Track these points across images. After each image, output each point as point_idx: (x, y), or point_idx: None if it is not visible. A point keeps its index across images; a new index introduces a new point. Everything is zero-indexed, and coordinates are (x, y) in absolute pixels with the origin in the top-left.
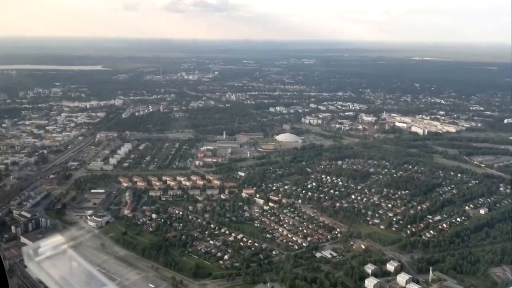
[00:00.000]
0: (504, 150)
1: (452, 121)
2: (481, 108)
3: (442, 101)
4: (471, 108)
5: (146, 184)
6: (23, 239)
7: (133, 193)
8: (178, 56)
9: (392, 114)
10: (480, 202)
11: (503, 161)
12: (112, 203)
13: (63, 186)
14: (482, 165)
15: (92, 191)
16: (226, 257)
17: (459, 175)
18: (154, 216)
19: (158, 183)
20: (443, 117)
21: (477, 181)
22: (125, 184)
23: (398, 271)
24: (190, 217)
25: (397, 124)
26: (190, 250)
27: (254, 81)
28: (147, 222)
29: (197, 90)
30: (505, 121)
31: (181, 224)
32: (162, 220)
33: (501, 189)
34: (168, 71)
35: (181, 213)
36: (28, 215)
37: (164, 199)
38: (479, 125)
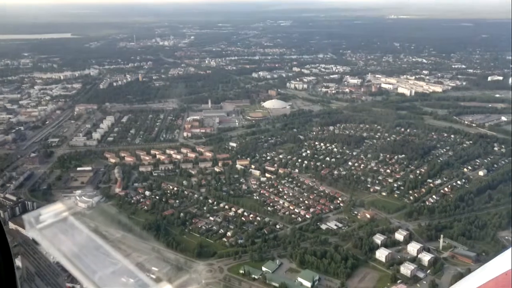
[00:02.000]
0: (492, 108)
1: (437, 80)
2: (463, 66)
3: (424, 60)
4: (453, 66)
5: (135, 159)
6: (11, 225)
7: (122, 169)
8: (150, 21)
9: (377, 76)
10: (477, 164)
11: (493, 120)
12: (100, 181)
13: (45, 165)
14: (473, 124)
15: (78, 169)
16: (229, 234)
17: (452, 136)
18: (147, 193)
19: (147, 158)
20: (427, 77)
21: (471, 142)
22: (112, 160)
23: (407, 240)
24: (185, 192)
25: (383, 85)
26: (190, 228)
27: (232, 45)
28: (141, 200)
29: (174, 57)
30: (489, 78)
31: (177, 201)
32: (157, 197)
33: (496, 149)
34: (141, 37)
35: (175, 188)
36: (14, 198)
37: (155, 174)
38: (464, 83)
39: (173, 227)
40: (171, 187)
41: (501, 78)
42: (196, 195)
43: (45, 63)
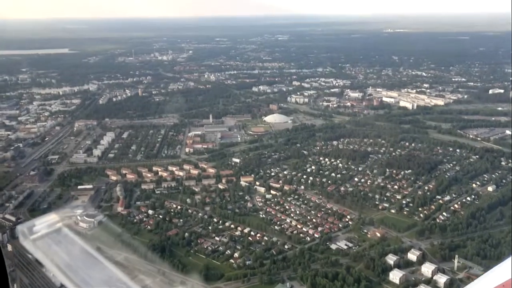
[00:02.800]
0: (496, 121)
1: (439, 93)
2: (463, 79)
3: (423, 73)
4: (453, 79)
5: (137, 176)
6: (10, 248)
7: (124, 187)
8: (148, 36)
9: (378, 89)
10: (485, 179)
11: (498, 134)
12: (102, 200)
13: (46, 183)
14: (478, 138)
15: (79, 187)
16: (236, 255)
17: (458, 150)
18: (150, 212)
19: (149, 175)
20: (428, 90)
21: (477, 156)
22: (113, 178)
23: (421, 260)
24: (189, 211)
25: (385, 99)
26: (196, 249)
27: (231, 59)
28: (144, 219)
29: (173, 71)
30: (490, 91)
31: (181, 220)
32: (160, 216)
33: (503, 163)
34: (139, 52)
35: (179, 207)
36: (13, 219)
37: (158, 192)
38: (465, 96)
39: (178, 248)
40: (174, 205)
41: (502, 91)
42: (200, 214)
43: (43, 78)
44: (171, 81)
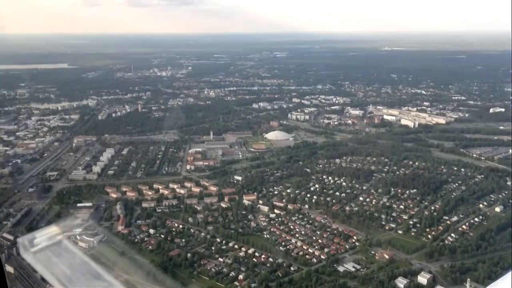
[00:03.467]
0: (499, 141)
1: (440, 112)
2: (463, 98)
3: (423, 92)
4: (453, 98)
5: (137, 194)
6: (8, 268)
7: (124, 205)
8: (147, 52)
9: (378, 107)
10: (492, 199)
11: (502, 153)
12: (102, 218)
13: (44, 200)
14: (482, 158)
15: (78, 205)
16: (241, 276)
17: (462, 169)
18: (151, 231)
19: (149, 192)
20: (429, 108)
21: (482, 176)
22: (113, 195)
23: (431, 284)
24: (191, 230)
25: (386, 117)
26: (199, 270)
27: (230, 76)
28: (145, 239)
29: (173, 87)
30: (491, 110)
31: (183, 240)
32: (162, 235)
33: (509, 183)
34: (138, 67)
35: (181, 226)
36: (11, 238)
37: (159, 210)
38: (466, 115)
39: (181, 269)
40: (176, 224)
41: (503, 110)
42: (203, 234)
43: (42, 93)
44: (170, 97)
